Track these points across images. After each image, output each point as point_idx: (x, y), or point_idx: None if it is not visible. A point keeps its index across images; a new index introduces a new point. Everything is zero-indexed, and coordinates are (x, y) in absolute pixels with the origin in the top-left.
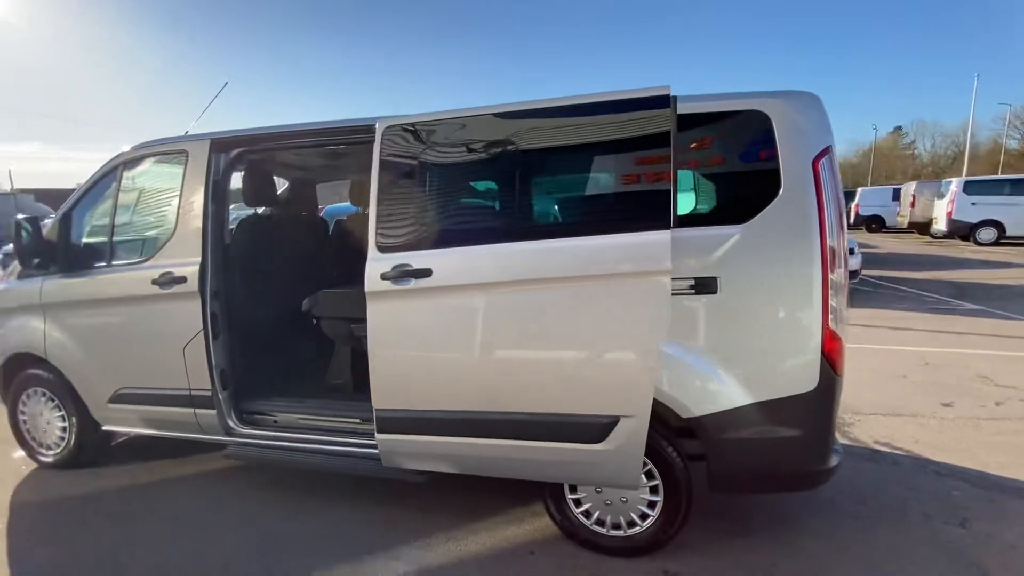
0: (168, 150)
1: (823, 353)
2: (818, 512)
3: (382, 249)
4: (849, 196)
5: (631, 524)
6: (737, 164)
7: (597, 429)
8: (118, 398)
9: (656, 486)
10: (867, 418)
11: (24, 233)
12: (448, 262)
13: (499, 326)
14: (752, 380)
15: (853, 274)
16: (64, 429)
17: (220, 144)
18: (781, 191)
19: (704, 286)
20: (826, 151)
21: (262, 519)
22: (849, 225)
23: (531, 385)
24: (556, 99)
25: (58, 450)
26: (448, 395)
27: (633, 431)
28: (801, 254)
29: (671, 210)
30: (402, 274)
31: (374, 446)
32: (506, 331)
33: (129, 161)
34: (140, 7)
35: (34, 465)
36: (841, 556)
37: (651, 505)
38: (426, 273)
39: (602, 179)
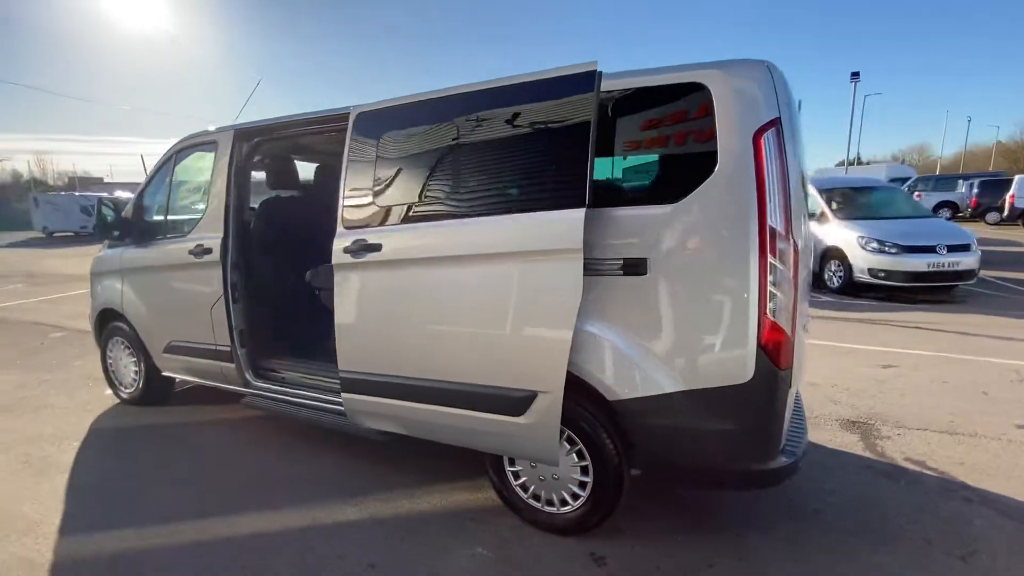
0: (204, 141)
1: (760, 344)
2: (791, 521)
3: (347, 226)
4: (1002, 185)
5: (563, 503)
6: (677, 140)
7: (517, 402)
8: (169, 348)
9: (587, 467)
10: (911, 433)
11: (106, 211)
12: (394, 238)
13: (431, 298)
14: (681, 367)
15: (968, 274)
16: (136, 372)
17: (241, 134)
18: (716, 168)
19: (633, 267)
20: (771, 124)
21: (265, 460)
22: (1002, 218)
23: (460, 355)
24: (489, 81)
25: (132, 389)
26: (394, 361)
27: (549, 407)
28: (735, 236)
29: (586, 189)
30: (360, 248)
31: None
32: (438, 303)
33: (179, 151)
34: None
35: (116, 400)
36: (789, 567)
37: (582, 486)
38: (377, 248)
39: (527, 158)
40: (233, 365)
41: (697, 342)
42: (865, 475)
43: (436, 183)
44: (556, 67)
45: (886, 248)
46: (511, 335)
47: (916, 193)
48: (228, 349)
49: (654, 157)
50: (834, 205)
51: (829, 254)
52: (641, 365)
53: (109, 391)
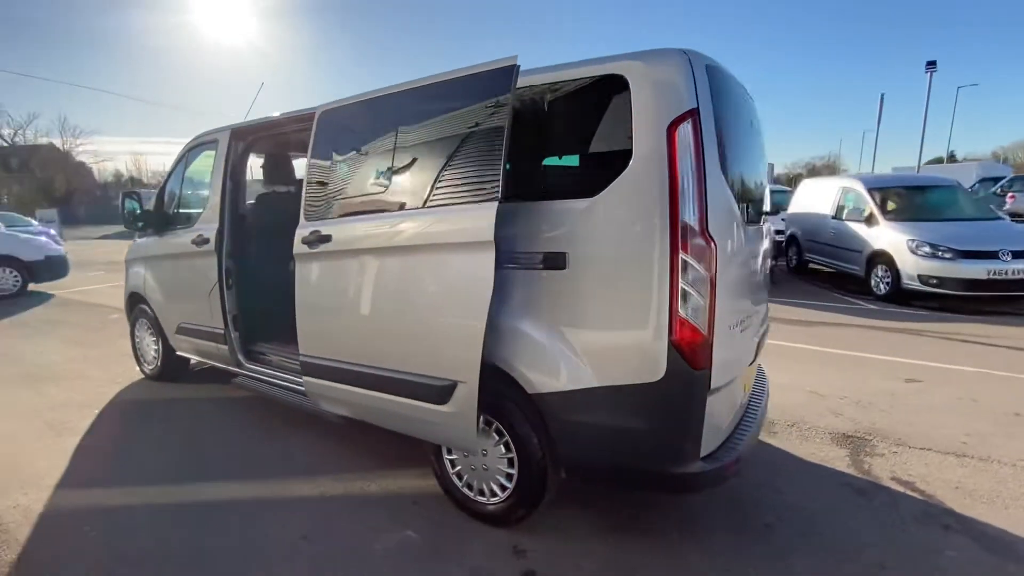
0: (208, 140)
1: (673, 343)
2: (735, 532)
3: (307, 218)
4: None
5: (492, 493)
6: (600, 133)
7: (441, 391)
8: (179, 330)
9: (513, 460)
10: (909, 452)
11: (130, 204)
12: (341, 230)
13: (368, 288)
14: (597, 363)
15: None
16: (156, 351)
17: (236, 133)
18: (631, 161)
19: (552, 261)
20: (687, 116)
21: (249, 438)
22: None
23: (391, 344)
24: (418, 79)
25: (152, 366)
26: (341, 347)
27: (467, 396)
28: (646, 232)
29: (499, 183)
30: (315, 239)
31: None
32: (373, 293)
33: (191, 149)
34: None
35: (140, 376)
36: None
37: (508, 478)
38: (328, 239)
39: (449, 153)
40: (227, 347)
41: (612, 338)
42: (838, 492)
43: (376, 178)
44: (479, 63)
45: (939, 252)
46: (432, 325)
47: (1009, 195)
48: (223, 332)
49: (585, 151)
50: (885, 205)
51: (876, 258)
52: (560, 359)
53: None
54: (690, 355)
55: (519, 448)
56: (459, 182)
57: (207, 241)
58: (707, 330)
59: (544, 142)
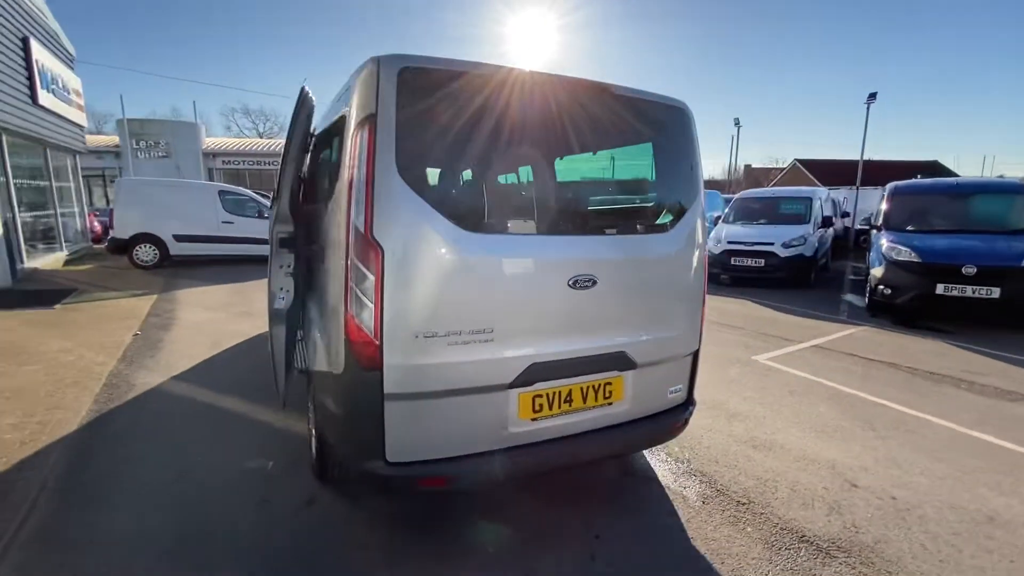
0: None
1: (347, 340)
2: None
3: None
4: None
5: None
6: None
7: None
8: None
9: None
10: (847, 492)
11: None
12: None
13: None
14: (322, 349)
15: None
16: None
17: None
18: (340, 167)
19: (319, 256)
20: (365, 122)
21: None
22: None
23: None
24: None
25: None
26: None
27: None
28: (341, 233)
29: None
30: None
31: None
32: None
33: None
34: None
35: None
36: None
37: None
38: None
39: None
40: None
41: (329, 328)
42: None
43: None
44: None
45: None
46: None
47: None
48: None
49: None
50: None
51: None
52: (312, 341)
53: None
54: (358, 355)
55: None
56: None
57: None
58: (374, 333)
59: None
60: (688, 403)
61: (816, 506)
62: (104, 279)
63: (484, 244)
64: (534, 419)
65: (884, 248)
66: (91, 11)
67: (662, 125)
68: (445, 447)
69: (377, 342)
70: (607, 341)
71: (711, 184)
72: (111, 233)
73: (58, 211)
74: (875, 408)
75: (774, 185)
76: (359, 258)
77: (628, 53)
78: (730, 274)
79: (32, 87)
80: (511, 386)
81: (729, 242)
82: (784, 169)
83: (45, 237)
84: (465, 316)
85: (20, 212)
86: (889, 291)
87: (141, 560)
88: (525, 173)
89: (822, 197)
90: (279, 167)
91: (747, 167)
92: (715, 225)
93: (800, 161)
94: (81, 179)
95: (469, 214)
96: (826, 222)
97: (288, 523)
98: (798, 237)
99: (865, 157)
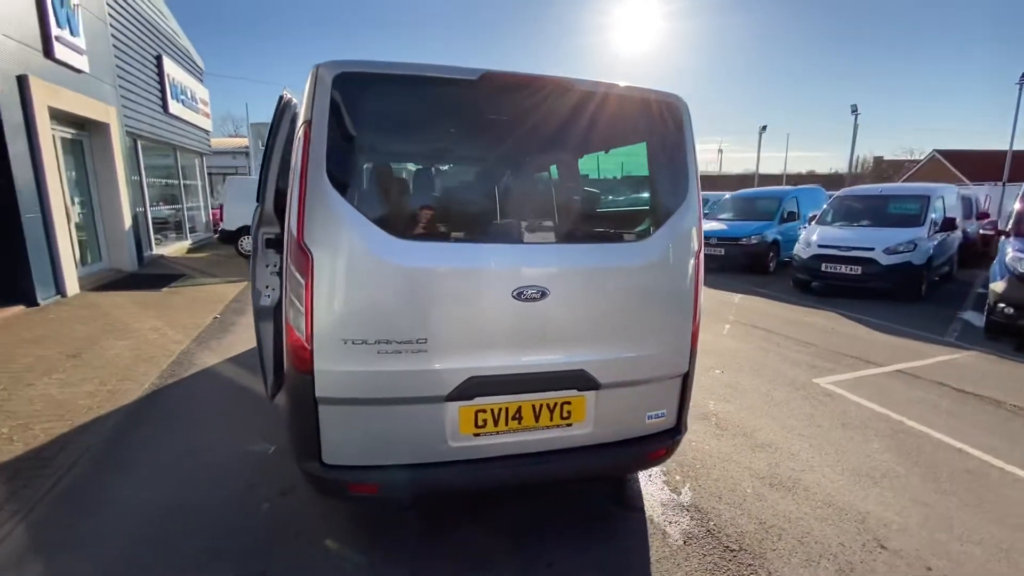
0: None
1: (288, 344)
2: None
3: None
4: None
5: None
6: None
7: None
8: None
9: None
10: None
11: None
12: None
13: None
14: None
15: None
16: None
17: None
18: None
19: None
20: (303, 127)
21: None
22: None
23: None
24: None
25: None
26: None
27: None
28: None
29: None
30: None
31: None
32: None
33: None
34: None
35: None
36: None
37: None
38: None
39: None
40: None
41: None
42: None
43: None
44: None
45: None
46: None
47: None
48: None
49: None
50: None
51: None
52: None
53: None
54: (294, 358)
55: None
56: None
57: None
58: (306, 337)
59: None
60: (676, 430)
61: (822, 565)
62: (211, 266)
63: (416, 252)
64: (477, 434)
65: (1009, 258)
66: (223, 32)
67: (641, 123)
68: (380, 455)
69: (309, 347)
70: (563, 358)
71: (816, 180)
72: (220, 225)
73: (185, 206)
74: (947, 453)
75: (907, 180)
76: (293, 263)
77: (739, 39)
78: (821, 282)
79: (163, 98)
80: (449, 399)
81: (820, 246)
82: (920, 162)
83: (173, 228)
84: (395, 325)
85: (151, 206)
86: (1011, 310)
87: (129, 523)
88: (475, 176)
89: (946, 196)
90: (260, 170)
91: (877, 159)
92: (809, 225)
93: (940, 152)
94: (208, 177)
95: (403, 220)
96: (947, 225)
97: (261, 507)
98: (906, 242)
99: (1018, 147)
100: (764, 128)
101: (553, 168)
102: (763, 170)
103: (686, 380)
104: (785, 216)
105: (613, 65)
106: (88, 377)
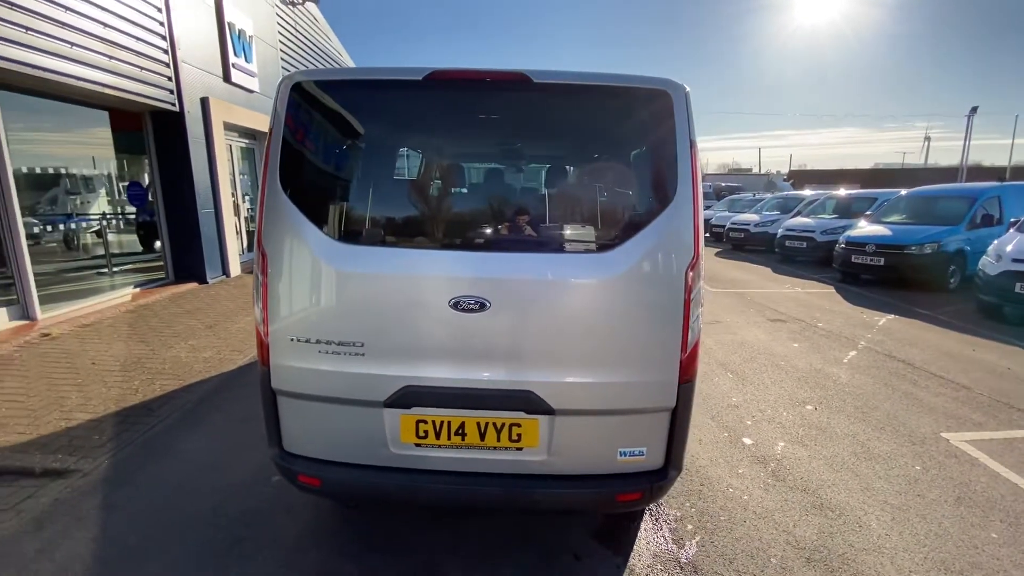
0: None
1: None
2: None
3: None
4: None
5: None
6: None
7: None
8: None
9: None
10: None
11: None
12: None
13: None
14: None
15: None
16: None
17: None
18: None
19: None
20: (267, 138)
21: None
22: None
23: None
24: None
25: None
26: None
27: None
28: None
29: None
30: None
31: None
32: None
33: None
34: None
35: None
36: None
37: None
38: None
39: None
40: None
41: None
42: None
43: None
44: None
45: None
46: None
47: None
48: None
49: None
50: None
51: None
52: None
53: None
54: (258, 350)
55: None
56: None
57: None
58: (264, 332)
59: None
60: (660, 473)
61: None
62: None
63: (354, 257)
64: (418, 444)
65: None
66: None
67: (615, 118)
68: (325, 450)
69: (267, 341)
70: (508, 376)
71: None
72: None
73: None
74: None
75: None
76: (257, 262)
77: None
78: (1017, 307)
79: None
80: (387, 405)
81: (1015, 260)
82: None
83: None
84: (335, 327)
85: None
86: None
87: (175, 473)
88: (423, 180)
89: None
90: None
91: None
92: (1010, 232)
93: None
94: None
95: (347, 225)
96: None
97: (250, 490)
98: None
99: None
100: (974, 110)
101: (510, 170)
102: (987, 160)
103: (675, 416)
104: (978, 220)
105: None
106: (212, 345)
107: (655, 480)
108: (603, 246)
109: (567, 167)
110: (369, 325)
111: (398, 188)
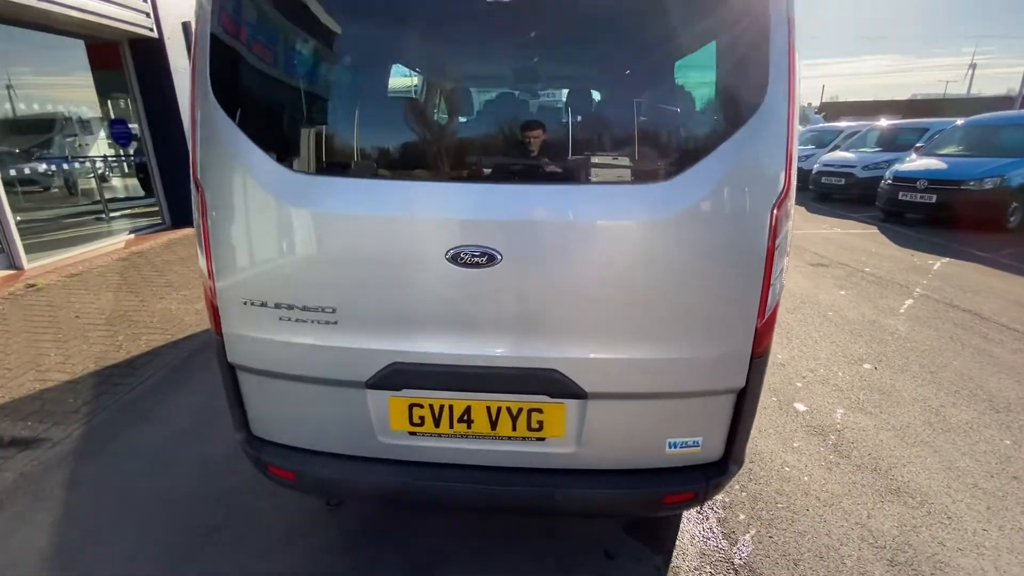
0: None
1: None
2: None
3: None
4: None
5: None
6: None
7: None
8: None
9: None
10: None
11: None
12: None
13: None
14: None
15: None
16: None
17: None
18: None
19: None
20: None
21: None
22: None
23: None
24: None
25: None
26: None
27: None
28: None
29: None
30: None
31: None
32: None
33: None
34: None
35: None
36: None
37: None
38: None
39: None
40: None
41: None
42: None
43: None
44: None
45: None
46: None
47: None
48: None
49: None
50: None
51: None
52: None
53: None
54: (210, 315)
55: None
56: None
57: None
58: (212, 292)
59: None
60: (719, 467)
61: None
62: None
63: (317, 190)
64: (413, 433)
65: None
66: None
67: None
68: (300, 438)
69: (216, 303)
70: (526, 351)
71: None
72: None
73: None
74: None
75: None
76: (194, 201)
77: None
78: None
79: None
80: (370, 386)
81: None
82: None
83: None
84: (296, 287)
85: None
86: None
87: (146, 438)
88: (410, 91)
89: None
90: None
91: None
92: None
93: None
94: None
95: (307, 150)
96: None
97: (227, 467)
98: None
99: None
100: None
101: (529, 77)
102: None
103: (742, 399)
104: None
105: None
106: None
107: (712, 476)
108: (655, 174)
109: (605, 65)
110: (341, 285)
111: (370, 96)
